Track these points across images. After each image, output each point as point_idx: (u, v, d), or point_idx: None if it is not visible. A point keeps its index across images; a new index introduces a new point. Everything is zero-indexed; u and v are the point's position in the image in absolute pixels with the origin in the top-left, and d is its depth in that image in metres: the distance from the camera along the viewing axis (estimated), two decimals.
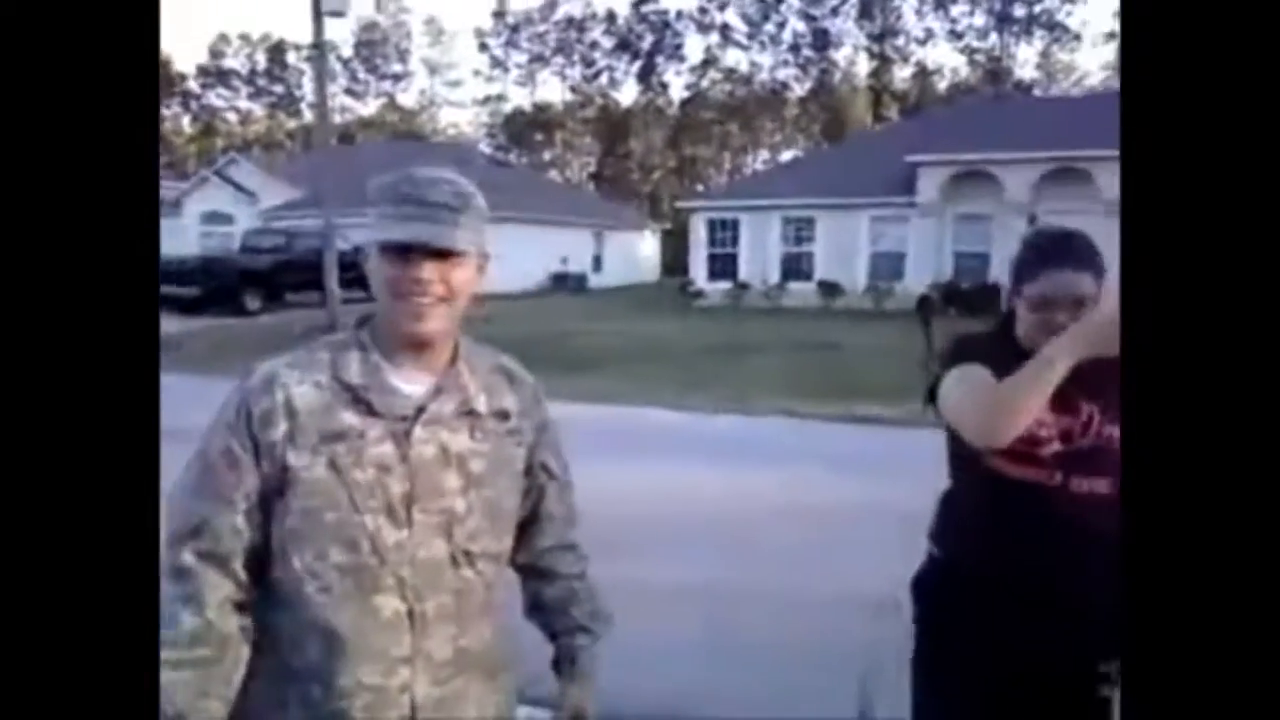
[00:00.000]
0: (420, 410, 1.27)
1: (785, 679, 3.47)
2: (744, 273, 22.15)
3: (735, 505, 5.82)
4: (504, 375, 1.40)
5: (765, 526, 5.40)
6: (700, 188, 45.98)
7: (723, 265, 22.59)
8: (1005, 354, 1.72)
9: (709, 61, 53.77)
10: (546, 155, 56.11)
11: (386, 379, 1.27)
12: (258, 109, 56.78)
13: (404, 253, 1.23)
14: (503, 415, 1.36)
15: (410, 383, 1.29)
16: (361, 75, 57.92)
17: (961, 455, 1.82)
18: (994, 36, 49.98)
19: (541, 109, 56.61)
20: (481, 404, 1.32)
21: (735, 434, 8.41)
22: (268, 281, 18.45)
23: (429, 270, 1.24)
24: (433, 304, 1.25)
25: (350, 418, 1.24)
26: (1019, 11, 49.12)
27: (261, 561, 1.27)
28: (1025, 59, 51.30)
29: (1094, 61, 61.14)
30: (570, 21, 55.64)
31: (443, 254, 1.24)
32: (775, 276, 21.79)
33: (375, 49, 57.58)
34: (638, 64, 54.89)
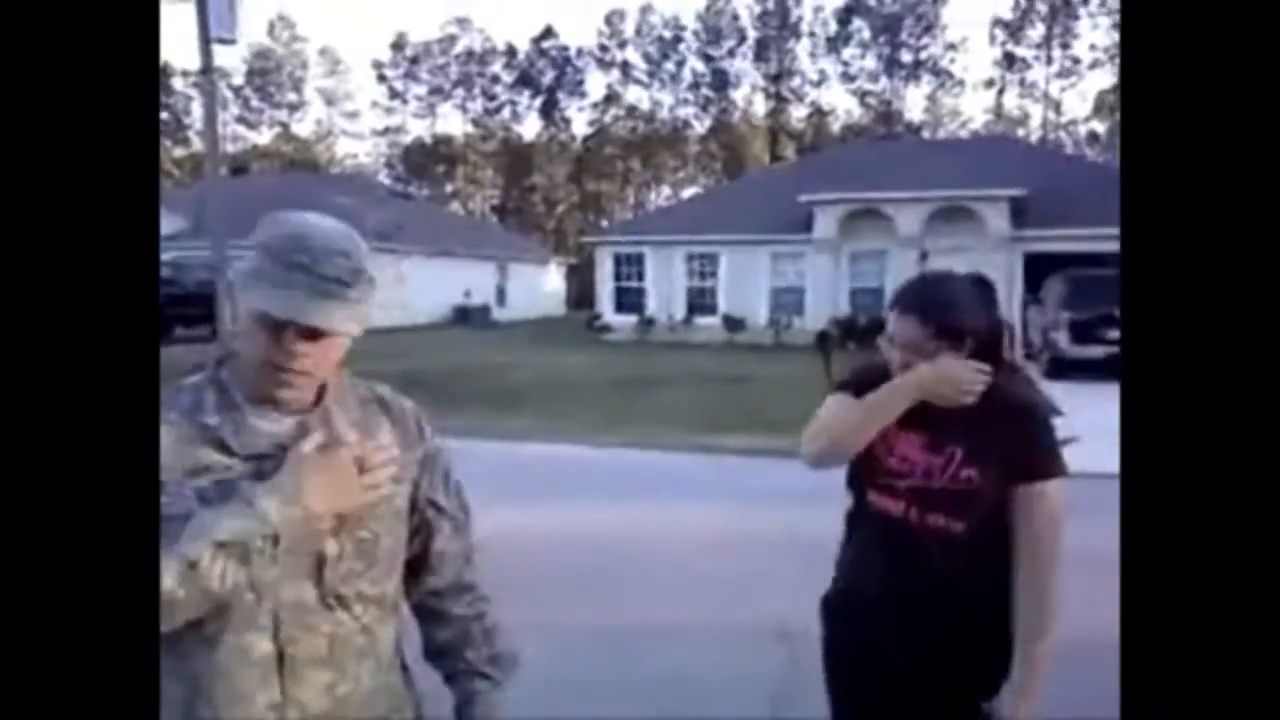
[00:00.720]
0: (282, 449, 1.20)
1: (704, 711, 3.44)
2: (650, 307, 22.31)
3: (647, 540, 5.78)
4: (381, 408, 1.34)
5: (678, 560, 5.37)
6: (604, 223, 46.27)
7: (629, 299, 22.72)
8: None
9: (611, 98, 54.41)
10: (448, 188, 55.57)
11: (245, 419, 1.21)
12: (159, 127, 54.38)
13: (281, 324, 1.15)
14: (379, 452, 1.29)
15: (271, 421, 1.22)
16: (255, 103, 56.30)
17: (851, 484, 1.94)
18: (884, 80, 52.21)
19: (442, 141, 56.12)
20: (351, 439, 1.25)
21: (645, 469, 8.38)
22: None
23: (303, 347, 1.17)
24: (299, 376, 1.19)
25: (211, 455, 1.19)
26: (906, 57, 51.49)
27: None
28: (914, 102, 53.76)
29: (977, 106, 64.44)
30: (470, 55, 55.50)
31: (320, 333, 1.17)
32: (681, 311, 22.03)
33: (269, 77, 56.10)
34: (539, 99, 55.10)
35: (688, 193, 47.72)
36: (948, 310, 1.82)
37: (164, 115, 51.87)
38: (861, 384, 1.90)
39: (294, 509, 1.16)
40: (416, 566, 1.39)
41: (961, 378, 1.78)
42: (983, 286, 1.90)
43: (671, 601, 4.72)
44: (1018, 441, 1.77)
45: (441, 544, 1.40)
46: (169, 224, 26.35)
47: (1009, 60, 50.85)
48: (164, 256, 21.72)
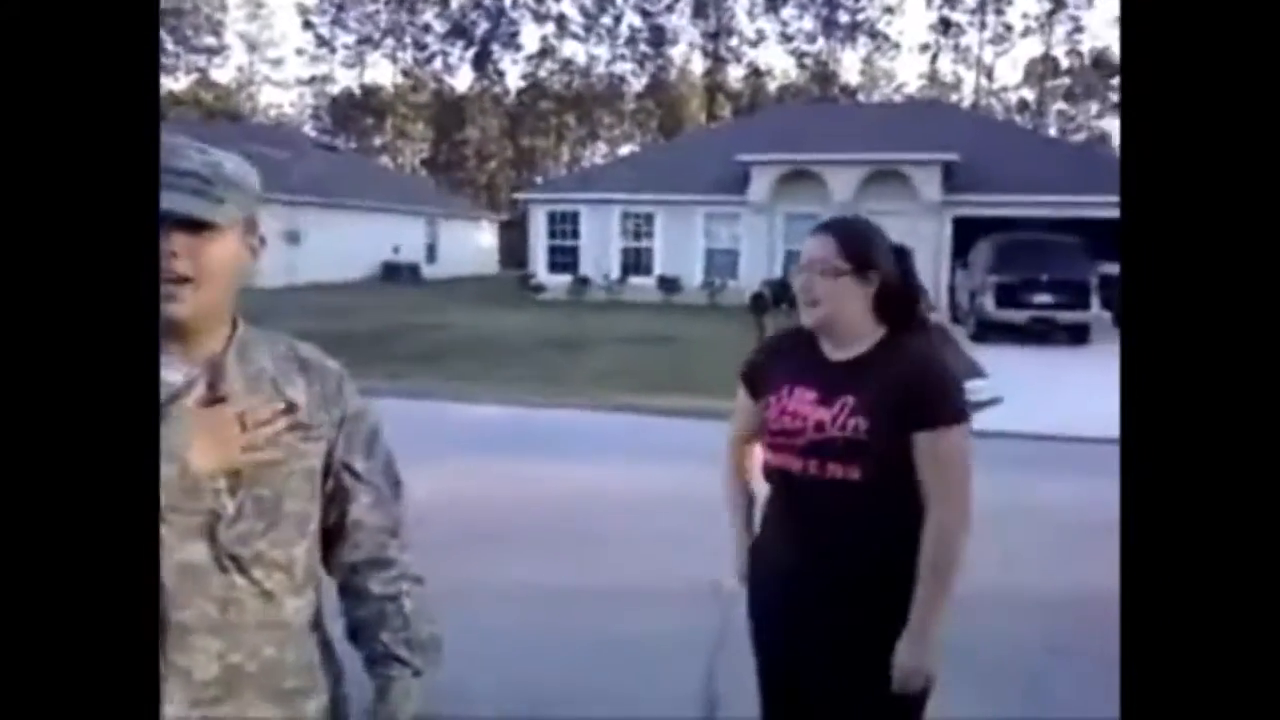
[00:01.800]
0: (174, 398, 1.15)
1: (640, 670, 3.43)
2: (585, 266, 22.14)
3: (577, 500, 5.75)
4: (298, 364, 1.28)
5: (608, 520, 5.36)
6: (538, 179, 45.65)
7: (563, 258, 22.51)
8: (785, 352, 1.97)
9: (546, 51, 53.45)
10: (377, 140, 54.11)
11: None
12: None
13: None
14: (289, 409, 1.22)
15: (168, 369, 1.16)
16: (170, 47, 53.76)
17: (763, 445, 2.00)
18: (821, 41, 52.31)
19: (371, 92, 54.49)
20: (238, 395, 1.19)
21: (577, 428, 8.33)
22: None
23: (175, 243, 1.13)
24: (179, 283, 1.13)
25: None
26: (844, 18, 51.63)
27: None
28: (850, 65, 54.07)
29: (911, 71, 65.17)
30: (401, 2, 53.80)
31: (191, 226, 1.13)
32: (616, 271, 21.91)
33: (185, 19, 53.57)
34: (473, 50, 53.80)
35: (624, 150, 47.33)
36: (861, 240, 1.88)
37: None
38: (749, 377, 2.01)
39: (172, 466, 1.10)
40: (333, 537, 1.32)
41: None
42: (901, 252, 1.94)
43: (603, 561, 4.70)
44: (916, 390, 1.80)
45: (358, 513, 1.32)
46: None
47: (944, 25, 51.40)
48: None
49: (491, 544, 4.87)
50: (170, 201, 1.11)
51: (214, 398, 1.17)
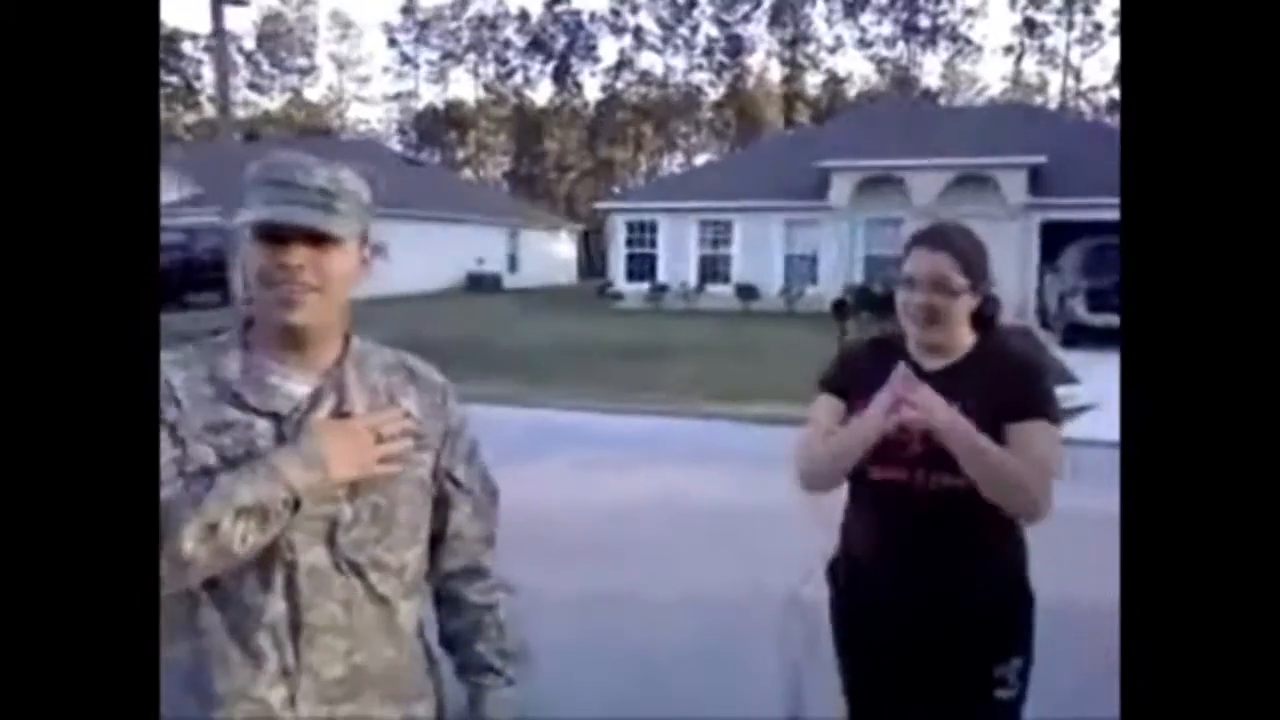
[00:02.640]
0: (297, 410, 1.21)
1: (725, 679, 3.43)
2: (662, 274, 22.21)
3: (661, 508, 5.77)
4: (407, 375, 1.33)
5: (692, 528, 5.36)
6: (616, 189, 46.00)
7: (641, 266, 22.62)
8: (880, 361, 1.83)
9: (623, 63, 53.90)
10: (460, 154, 55.33)
11: (265, 378, 1.22)
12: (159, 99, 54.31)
13: (274, 238, 1.17)
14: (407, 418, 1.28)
15: (290, 381, 1.23)
16: (265, 68, 56.06)
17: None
18: (901, 46, 51.48)
19: (454, 107, 55.78)
20: (360, 407, 1.24)
21: (657, 436, 8.36)
22: (166, 282, 17.60)
23: (299, 255, 1.18)
24: (304, 292, 1.18)
25: (232, 413, 1.20)
26: (924, 22, 50.71)
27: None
28: (931, 68, 53.02)
29: (995, 73, 63.51)
30: (482, 20, 54.99)
31: (315, 239, 1.18)
32: (693, 278, 21.92)
33: (279, 41, 55.79)
34: (552, 64, 54.61)
35: (701, 160, 47.35)
36: (975, 252, 1.84)
37: (175, 80, 51.74)
38: (838, 381, 1.95)
39: (315, 474, 1.16)
40: (434, 545, 1.36)
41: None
42: (984, 250, 1.91)
43: (687, 569, 4.70)
44: (1008, 387, 1.79)
45: (459, 522, 1.37)
46: (181, 189, 26.34)
47: (1029, 26, 50.02)
48: (176, 222, 21.78)
49: (570, 551, 4.90)
50: (297, 215, 1.16)
51: (342, 410, 1.23)
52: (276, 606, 1.18)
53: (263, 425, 1.19)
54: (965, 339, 1.86)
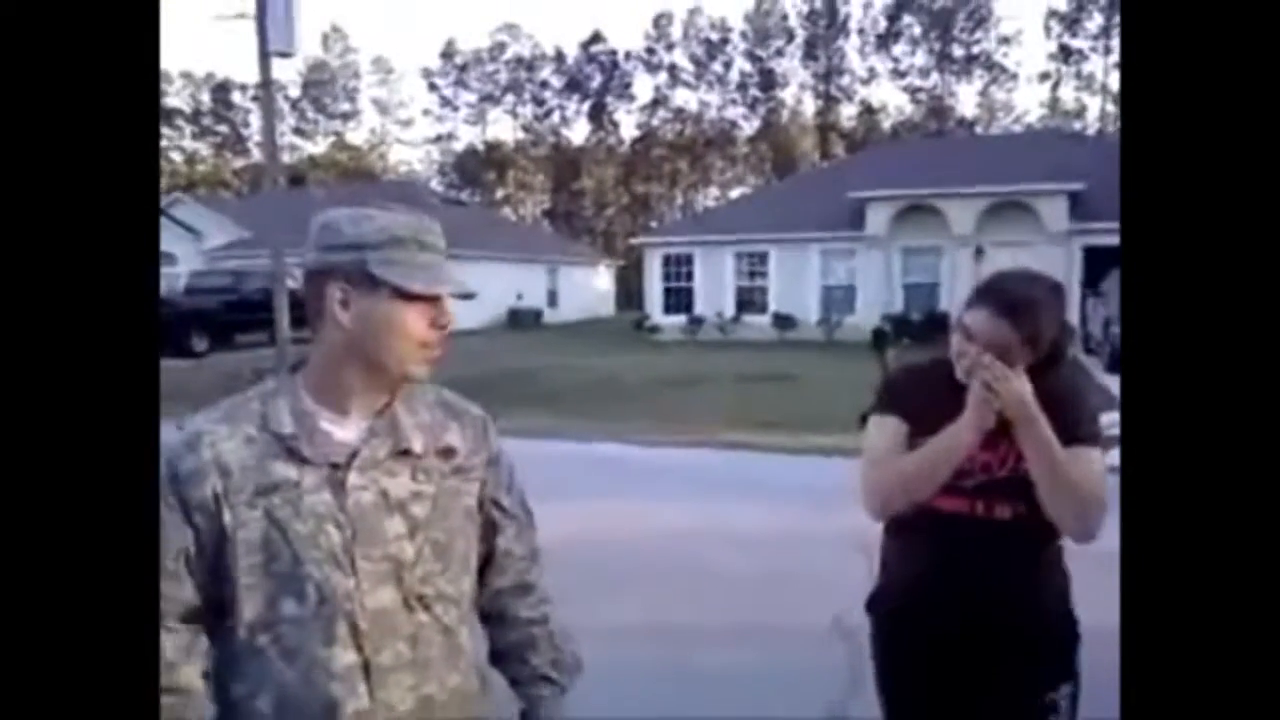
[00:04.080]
0: (353, 456, 1.23)
1: (762, 711, 3.42)
2: (699, 306, 22.28)
3: (700, 539, 5.77)
4: (448, 411, 1.36)
5: (732, 560, 5.35)
6: (653, 224, 46.31)
7: (678, 299, 22.71)
8: (940, 383, 1.82)
9: (658, 101, 54.48)
10: (499, 193, 56.14)
11: (317, 425, 1.24)
12: (203, 148, 56.07)
13: (431, 300, 1.23)
14: (448, 453, 1.32)
15: (343, 428, 1.25)
16: (310, 114, 57.55)
17: None
18: (935, 76, 51.45)
19: (493, 147, 56.73)
20: (419, 445, 1.28)
21: (696, 467, 8.37)
22: (215, 323, 18.08)
23: (447, 318, 1.26)
24: (436, 350, 1.26)
25: (284, 469, 1.21)
26: (958, 52, 50.68)
27: (217, 616, 1.24)
28: (966, 97, 52.87)
29: (1031, 100, 63.06)
30: (519, 61, 56.03)
31: (446, 301, 1.26)
32: (730, 310, 21.95)
33: (323, 89, 57.33)
34: (588, 103, 55.39)
35: (736, 194, 47.53)
36: (1038, 315, 1.76)
37: (224, 128, 53.34)
38: (900, 402, 1.89)
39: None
40: (482, 568, 1.41)
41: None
42: (1058, 292, 1.84)
43: (726, 601, 4.69)
44: (1055, 416, 1.76)
45: (505, 544, 1.42)
46: (229, 234, 27.07)
47: (1064, 53, 49.74)
48: (226, 265, 22.35)
49: (610, 582, 4.91)
50: (456, 283, 1.25)
51: (400, 449, 1.27)
52: (345, 657, 1.21)
53: (311, 481, 1.21)
54: (1021, 384, 1.80)
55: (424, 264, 1.22)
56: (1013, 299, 1.76)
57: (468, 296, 1.26)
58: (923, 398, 1.85)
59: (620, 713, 3.29)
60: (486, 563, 1.42)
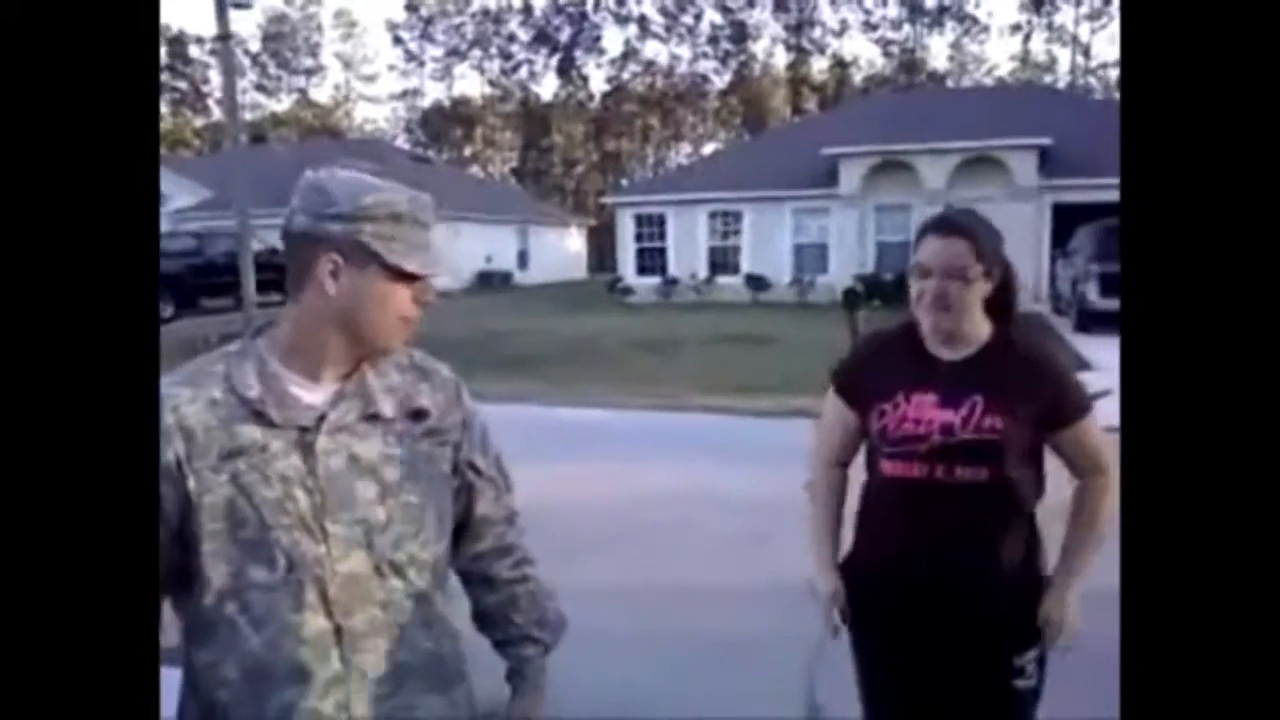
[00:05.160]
0: (321, 419, 1.22)
1: (737, 670, 3.46)
2: (673, 267, 22.20)
3: (673, 502, 5.79)
4: (420, 374, 1.34)
5: (705, 522, 5.39)
6: (624, 182, 45.93)
7: (651, 260, 22.62)
8: (905, 349, 1.87)
9: (628, 54, 53.75)
10: (467, 150, 55.36)
11: (286, 389, 1.22)
12: (161, 106, 54.61)
13: (414, 276, 1.23)
14: (419, 415, 1.30)
15: (310, 391, 1.23)
16: (272, 70, 56.18)
17: (868, 450, 1.94)
18: (907, 28, 51.13)
19: (460, 103, 55.78)
20: (389, 408, 1.27)
21: (670, 431, 8.38)
22: (179, 286, 17.70)
23: (435, 295, 1.28)
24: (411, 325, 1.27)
25: (250, 431, 1.19)
26: (930, 3, 50.33)
27: (182, 584, 1.22)
28: (938, 51, 52.65)
29: (1003, 53, 63.02)
30: (486, 14, 54.93)
31: (430, 279, 1.27)
32: (703, 271, 21.90)
33: (284, 42, 55.88)
34: (556, 57, 54.51)
35: (708, 149, 47.22)
36: (989, 237, 1.82)
37: (182, 84, 51.94)
38: (857, 380, 1.95)
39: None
40: (460, 531, 1.39)
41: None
42: (993, 227, 1.90)
43: (700, 562, 4.74)
44: (1046, 389, 1.80)
45: (484, 508, 1.40)
46: (192, 195, 26.46)
47: (1036, 3, 49.55)
48: (189, 227, 21.86)
49: (584, 545, 4.94)
50: (441, 263, 1.26)
51: (369, 412, 1.25)
52: (316, 622, 1.20)
53: (278, 445, 1.19)
54: (982, 328, 1.83)
55: (419, 243, 1.22)
56: (956, 220, 1.83)
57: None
58: (875, 376, 1.89)
59: (599, 674, 3.30)
60: (464, 527, 1.40)
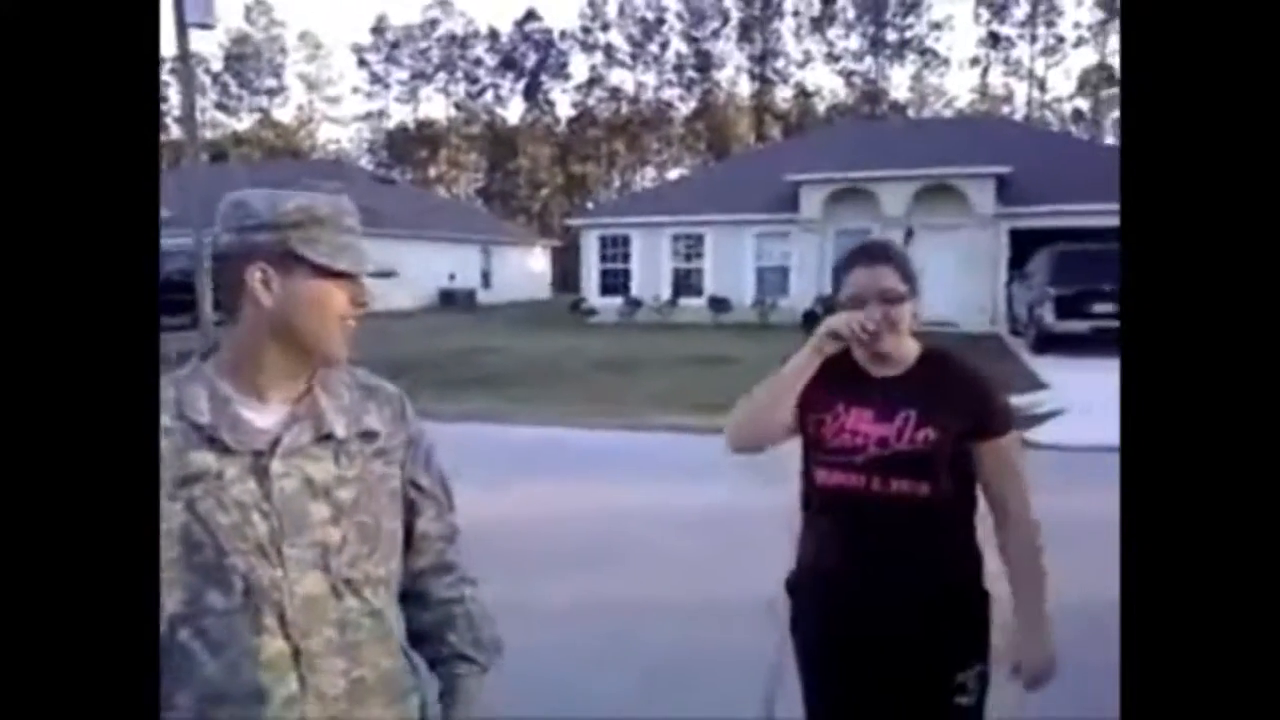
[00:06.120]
0: (275, 443, 1.21)
1: (695, 687, 3.43)
2: (636, 289, 22.26)
3: (634, 520, 5.76)
4: (366, 393, 1.34)
5: (665, 541, 5.36)
6: (590, 205, 46.09)
7: (614, 281, 22.66)
8: (840, 365, 1.89)
9: (594, 80, 54.12)
10: (432, 172, 55.24)
11: (237, 412, 1.22)
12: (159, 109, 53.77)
13: (351, 278, 1.24)
14: (369, 436, 1.30)
15: (262, 415, 1.23)
16: (234, 89, 55.74)
17: (805, 470, 1.95)
18: (869, 60, 52.11)
19: (425, 125, 55.72)
20: (340, 428, 1.27)
21: (632, 450, 8.35)
22: None
23: (370, 296, 1.26)
24: (351, 331, 1.26)
25: (204, 458, 1.19)
26: (891, 36, 51.39)
27: None
28: (899, 82, 53.73)
29: (962, 85, 64.43)
30: (453, 38, 55.06)
31: (363, 280, 1.27)
32: (667, 292, 21.98)
33: (247, 63, 55.53)
34: (523, 82, 54.74)
35: (673, 175, 47.58)
36: (909, 262, 1.90)
37: None
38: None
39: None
40: (402, 548, 1.38)
41: (853, 317, 1.83)
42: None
43: (660, 580, 4.71)
44: (971, 401, 1.84)
45: (424, 525, 1.40)
46: None
47: (993, 39, 50.87)
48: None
49: (547, 563, 4.91)
50: (374, 260, 1.26)
51: (321, 434, 1.25)
52: (273, 645, 1.19)
53: (233, 471, 1.18)
54: (911, 345, 1.89)
55: (345, 244, 1.23)
56: (878, 249, 1.89)
57: (388, 275, 1.27)
58: (824, 382, 1.89)
59: (556, 690, 3.26)
60: (405, 543, 1.39)
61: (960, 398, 1.83)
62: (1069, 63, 50.15)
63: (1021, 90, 52.39)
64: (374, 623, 1.28)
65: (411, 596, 1.42)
